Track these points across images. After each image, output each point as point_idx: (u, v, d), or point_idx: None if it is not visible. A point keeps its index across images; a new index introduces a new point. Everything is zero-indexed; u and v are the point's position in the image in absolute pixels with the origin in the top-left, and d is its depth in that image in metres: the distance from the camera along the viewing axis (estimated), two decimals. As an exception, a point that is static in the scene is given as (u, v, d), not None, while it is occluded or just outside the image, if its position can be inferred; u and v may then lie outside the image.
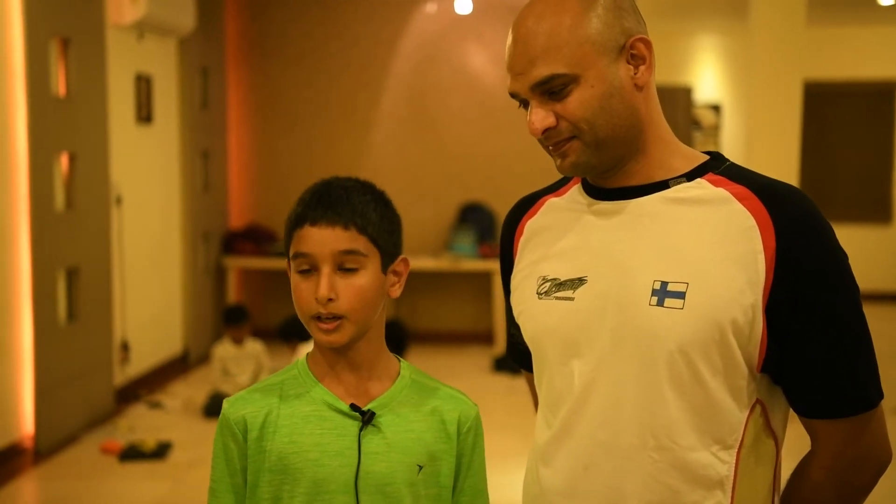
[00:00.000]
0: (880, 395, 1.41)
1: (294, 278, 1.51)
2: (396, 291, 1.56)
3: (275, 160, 7.99)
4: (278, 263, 7.41)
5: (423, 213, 7.69)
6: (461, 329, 7.97)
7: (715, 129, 10.30)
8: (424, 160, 7.87)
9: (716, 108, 10.31)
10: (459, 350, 7.65)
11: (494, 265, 7.39)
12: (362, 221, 1.49)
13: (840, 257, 1.39)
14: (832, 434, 1.42)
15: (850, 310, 1.38)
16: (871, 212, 10.02)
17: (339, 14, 7.84)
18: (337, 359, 1.53)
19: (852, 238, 9.59)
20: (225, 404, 1.56)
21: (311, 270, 1.49)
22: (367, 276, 1.50)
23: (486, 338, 7.79)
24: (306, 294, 1.49)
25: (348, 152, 7.88)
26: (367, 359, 1.54)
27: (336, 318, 1.48)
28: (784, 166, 5.69)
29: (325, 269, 1.47)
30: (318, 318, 1.48)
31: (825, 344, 1.37)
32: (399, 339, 6.39)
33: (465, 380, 6.62)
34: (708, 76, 10.31)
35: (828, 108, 9.83)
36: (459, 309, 7.98)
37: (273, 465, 1.51)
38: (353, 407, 1.51)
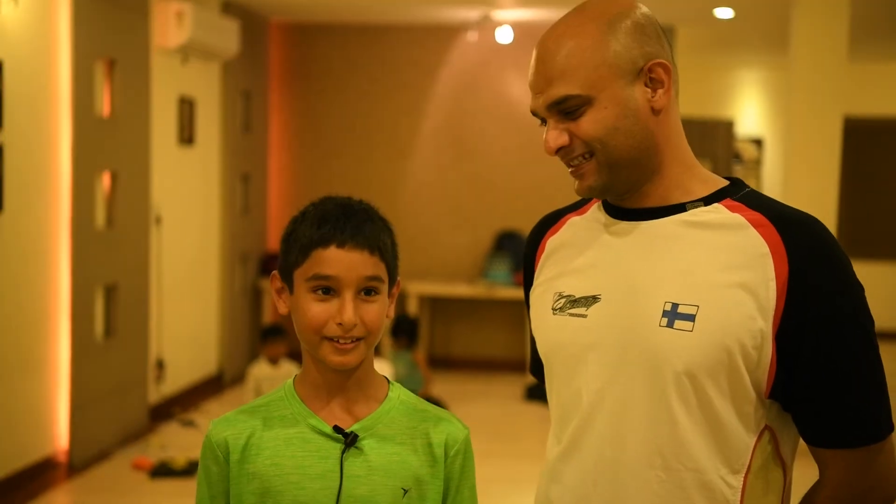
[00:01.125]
0: (891, 428, 1.40)
1: (305, 298, 1.49)
2: (391, 313, 1.56)
3: (314, 184, 8.06)
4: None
5: (459, 239, 7.72)
6: (495, 356, 7.96)
7: (756, 163, 10.25)
8: (462, 187, 7.90)
9: (757, 142, 10.27)
10: (492, 377, 7.64)
11: (529, 294, 7.39)
12: (383, 247, 1.50)
13: (853, 288, 1.38)
14: (840, 464, 1.41)
15: (861, 341, 1.38)
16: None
17: (381, 41, 7.92)
18: (330, 380, 1.52)
19: (890, 276, 9.48)
20: (210, 426, 1.55)
21: (329, 291, 1.48)
22: (382, 301, 1.51)
23: (519, 366, 7.78)
24: (323, 316, 1.47)
25: (387, 178, 7.94)
26: (358, 380, 1.53)
27: (355, 339, 1.48)
28: (822, 201, 5.65)
29: (349, 294, 1.47)
30: (334, 339, 1.47)
31: (834, 374, 1.37)
32: (411, 331, 6.39)
33: (497, 407, 6.62)
34: (750, 110, 10.28)
35: (868, 144, 9.75)
36: (493, 336, 7.98)
37: (255, 487, 1.49)
38: (336, 429, 1.50)
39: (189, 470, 5.08)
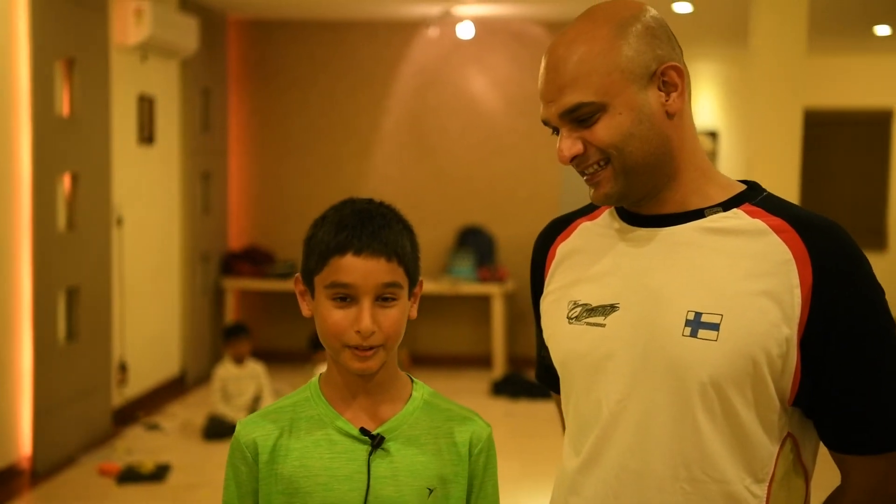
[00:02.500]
0: None
1: (325, 305, 1.49)
2: (415, 313, 1.57)
3: (275, 182, 8.00)
4: (277, 285, 7.41)
5: (422, 236, 7.47)
6: (460, 352, 7.96)
7: (712, 156, 10.33)
8: (425, 183, 7.88)
9: (712, 135, 10.35)
10: (458, 373, 7.64)
11: (493, 289, 7.40)
12: (402, 252, 1.49)
13: (877, 293, 1.38)
14: (865, 470, 1.40)
15: (887, 345, 1.37)
16: (867, 239, 10.05)
17: (340, 38, 7.87)
18: (353, 382, 1.53)
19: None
20: (238, 426, 1.56)
21: (347, 299, 1.47)
22: (401, 306, 1.50)
23: (484, 361, 7.78)
24: (343, 323, 1.47)
25: (348, 175, 7.90)
26: (381, 382, 1.53)
27: (373, 347, 1.48)
28: (784, 194, 5.61)
29: (367, 302, 1.46)
30: (353, 346, 1.47)
31: (860, 380, 1.36)
32: None
33: (464, 403, 6.58)
34: (705, 103, 10.36)
35: (826, 136, 9.88)
36: (458, 332, 7.97)
37: (284, 488, 1.51)
38: (363, 431, 1.51)
39: (157, 474, 5.02)
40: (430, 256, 7.77)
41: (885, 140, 10.02)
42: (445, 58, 7.78)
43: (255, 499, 1.54)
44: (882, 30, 8.03)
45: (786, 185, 5.82)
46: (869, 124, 10.02)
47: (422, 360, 7.81)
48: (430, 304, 7.71)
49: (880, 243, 10.06)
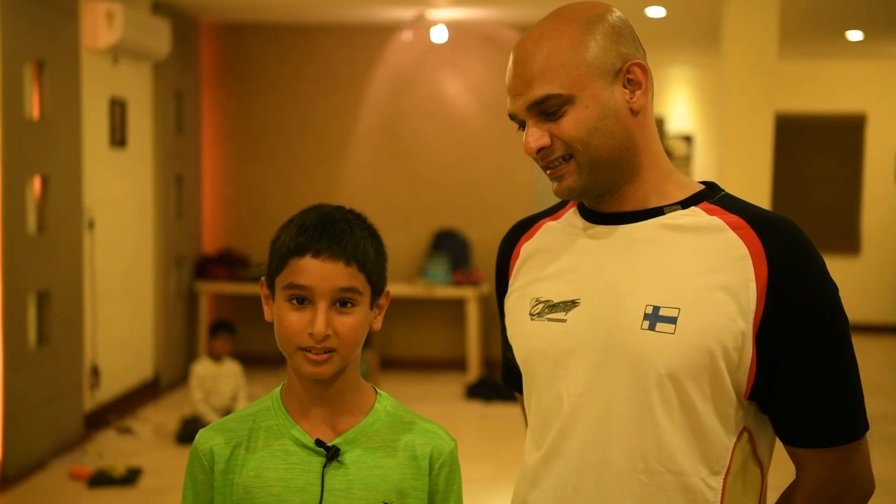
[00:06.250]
0: (866, 426, 1.42)
1: (282, 307, 1.48)
2: (378, 324, 1.56)
3: (248, 185, 7.98)
4: (251, 288, 7.39)
5: (396, 239, 7.69)
6: (434, 356, 7.95)
7: (686, 160, 10.39)
8: (399, 187, 7.88)
9: (687, 139, 10.41)
10: (432, 377, 7.64)
11: (468, 292, 7.40)
12: (363, 258, 1.48)
13: (830, 289, 1.41)
14: (817, 463, 1.43)
15: (840, 341, 1.40)
16: (840, 243, 10.12)
17: (314, 41, 7.86)
18: (311, 390, 1.51)
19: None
20: (198, 434, 1.56)
21: (304, 301, 1.47)
22: (360, 314, 1.49)
23: (459, 365, 7.79)
24: (297, 325, 1.46)
25: (323, 179, 7.89)
26: (340, 391, 1.52)
27: (327, 350, 1.47)
28: (756, 197, 5.74)
29: (322, 305, 1.46)
30: (307, 349, 1.46)
31: (814, 374, 1.38)
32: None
33: (438, 407, 6.61)
34: (679, 107, 10.42)
35: (799, 140, 9.95)
36: (432, 336, 7.97)
37: (239, 498, 1.50)
38: (318, 442, 1.50)
39: (128, 478, 4.99)
40: (404, 259, 7.77)
41: (858, 144, 10.10)
42: (419, 61, 7.79)
43: None
44: (854, 35, 8.10)
45: (757, 188, 5.86)
46: (843, 129, 10.10)
47: (396, 364, 7.81)
48: (405, 308, 7.71)
49: (854, 248, 10.14)
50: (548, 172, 1.47)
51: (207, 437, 1.54)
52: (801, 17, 7.20)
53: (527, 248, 1.59)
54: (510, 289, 1.60)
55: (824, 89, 10.03)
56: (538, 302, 1.51)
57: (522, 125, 1.46)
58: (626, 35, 1.45)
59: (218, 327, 6.11)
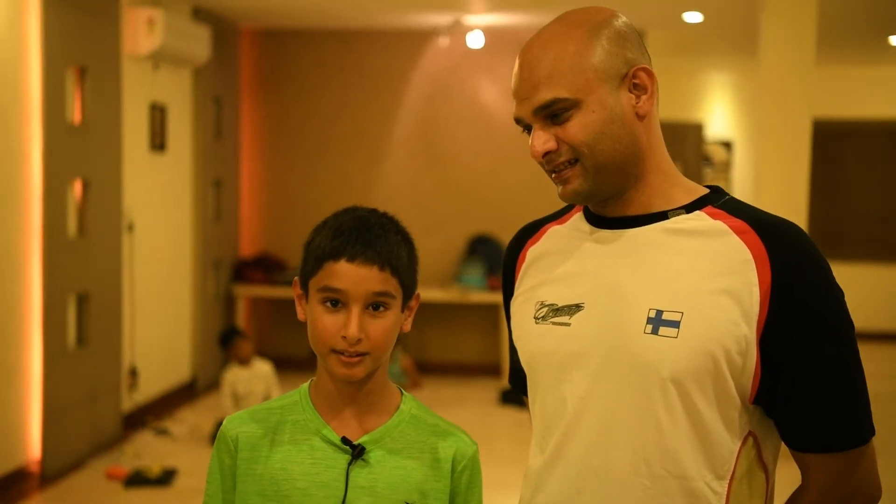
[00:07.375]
0: (872, 432, 1.41)
1: (316, 309, 1.51)
2: (408, 326, 1.58)
3: (286, 190, 8.05)
4: (288, 292, 7.44)
5: (432, 244, 7.72)
6: (469, 361, 7.97)
7: (726, 166, 10.33)
8: (434, 192, 7.91)
9: (727, 145, 10.34)
10: (467, 382, 7.64)
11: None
12: (396, 263, 1.50)
13: (835, 293, 1.40)
14: (823, 469, 1.42)
15: (844, 345, 1.39)
16: (880, 251, 10.00)
17: (352, 47, 7.91)
18: (341, 390, 1.54)
19: (860, 277, 9.58)
20: (225, 421, 1.58)
21: (337, 304, 1.49)
22: (392, 317, 1.51)
23: (493, 370, 7.79)
24: (331, 328, 1.49)
25: (359, 183, 7.93)
26: (369, 392, 1.54)
27: (360, 354, 1.49)
28: (793, 203, 5.70)
29: (356, 309, 1.48)
30: (340, 351, 1.49)
31: (818, 379, 1.38)
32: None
33: (472, 412, 6.62)
34: (719, 113, 10.35)
35: (838, 147, 9.84)
36: (467, 341, 7.99)
37: (263, 489, 1.52)
38: (345, 440, 1.52)
39: (164, 479, 5.05)
40: (439, 265, 7.79)
41: (898, 151, 9.98)
42: (455, 67, 7.81)
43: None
44: (896, 40, 8.01)
45: (794, 194, 5.81)
46: (882, 135, 9.98)
47: (430, 369, 7.83)
48: (439, 313, 7.74)
49: (893, 255, 10.01)
50: (553, 176, 1.48)
51: (235, 423, 1.57)
52: (842, 23, 7.14)
53: (533, 251, 1.60)
54: (516, 292, 1.62)
55: (867, 95, 9.92)
56: (543, 305, 1.52)
57: (528, 129, 1.48)
58: (631, 40, 1.46)
59: (227, 337, 6.09)
